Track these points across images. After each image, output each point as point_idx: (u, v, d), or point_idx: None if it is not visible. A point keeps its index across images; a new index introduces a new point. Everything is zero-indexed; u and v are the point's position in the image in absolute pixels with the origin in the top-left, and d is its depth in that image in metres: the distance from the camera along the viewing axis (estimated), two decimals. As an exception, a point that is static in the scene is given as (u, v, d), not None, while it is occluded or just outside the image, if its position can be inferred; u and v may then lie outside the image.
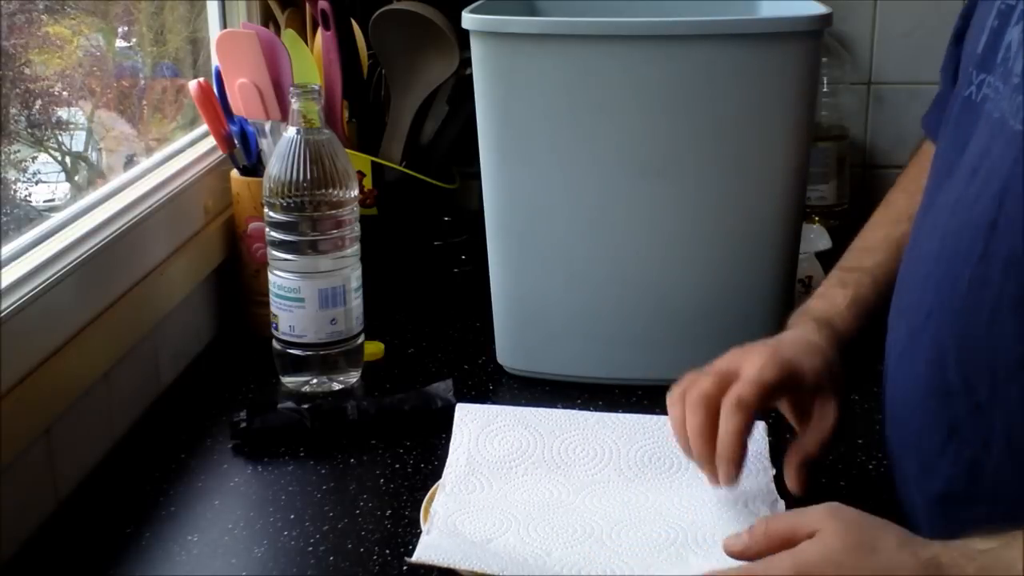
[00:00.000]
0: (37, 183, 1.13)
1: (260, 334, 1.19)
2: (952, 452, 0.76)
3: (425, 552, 0.81)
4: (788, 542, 0.70)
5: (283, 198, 1.10)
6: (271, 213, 1.11)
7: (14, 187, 1.08)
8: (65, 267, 0.97)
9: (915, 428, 0.80)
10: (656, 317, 1.13)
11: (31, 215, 1.07)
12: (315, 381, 1.14)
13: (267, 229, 1.13)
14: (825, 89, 1.57)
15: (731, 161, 1.08)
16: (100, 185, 1.16)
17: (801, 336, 0.91)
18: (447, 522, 0.86)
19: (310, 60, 1.29)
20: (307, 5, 1.37)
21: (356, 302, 1.15)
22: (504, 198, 1.13)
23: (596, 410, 1.05)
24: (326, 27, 1.28)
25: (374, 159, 1.30)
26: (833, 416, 0.88)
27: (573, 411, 1.01)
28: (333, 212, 1.11)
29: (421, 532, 0.86)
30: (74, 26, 1.19)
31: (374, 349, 1.21)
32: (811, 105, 1.10)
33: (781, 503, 0.87)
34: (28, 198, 1.12)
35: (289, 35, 1.30)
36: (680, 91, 1.06)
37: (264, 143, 1.25)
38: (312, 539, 0.88)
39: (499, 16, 1.09)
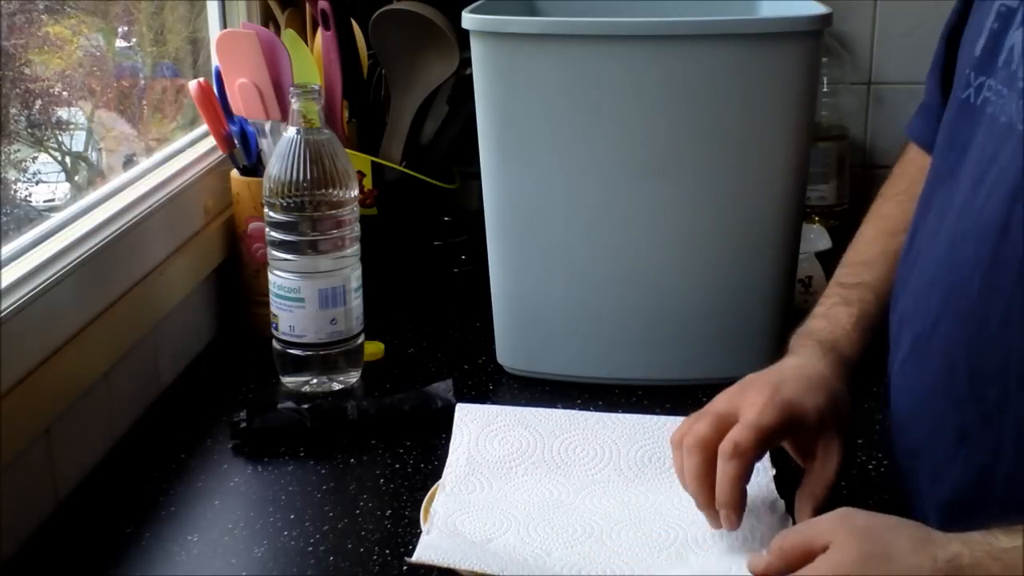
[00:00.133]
0: (37, 183, 1.13)
1: (260, 334, 1.19)
2: (962, 460, 0.75)
3: (425, 552, 0.81)
4: (805, 557, 0.70)
5: (283, 198, 1.10)
6: (271, 213, 1.11)
7: (14, 187, 1.08)
8: (65, 267, 0.97)
9: (923, 435, 0.80)
10: (656, 317, 1.13)
11: (31, 215, 1.07)
12: (315, 381, 1.14)
13: (267, 229, 1.13)
14: (825, 89, 1.57)
15: (731, 161, 1.08)
16: (100, 185, 1.16)
17: (804, 368, 0.87)
18: (447, 522, 0.87)
19: (310, 60, 1.29)
20: (307, 5, 1.37)
21: (356, 302, 1.15)
22: (504, 198, 1.13)
23: (596, 410, 1.05)
24: (326, 27, 1.28)
25: (374, 159, 1.30)
26: (837, 458, 0.83)
27: (573, 411, 1.01)
28: (333, 212, 1.11)
29: (421, 532, 0.86)
30: (74, 26, 1.19)
31: (374, 349, 1.21)
32: (811, 105, 1.10)
33: (781, 503, 0.87)
34: (28, 198, 1.12)
35: (289, 35, 1.30)
36: (680, 91, 1.06)
37: (264, 143, 1.25)
38: (312, 539, 0.88)
39: (499, 16, 1.09)
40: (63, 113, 1.20)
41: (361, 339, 1.17)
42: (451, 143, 1.38)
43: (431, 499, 0.90)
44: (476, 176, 1.17)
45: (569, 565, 0.81)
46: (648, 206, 1.10)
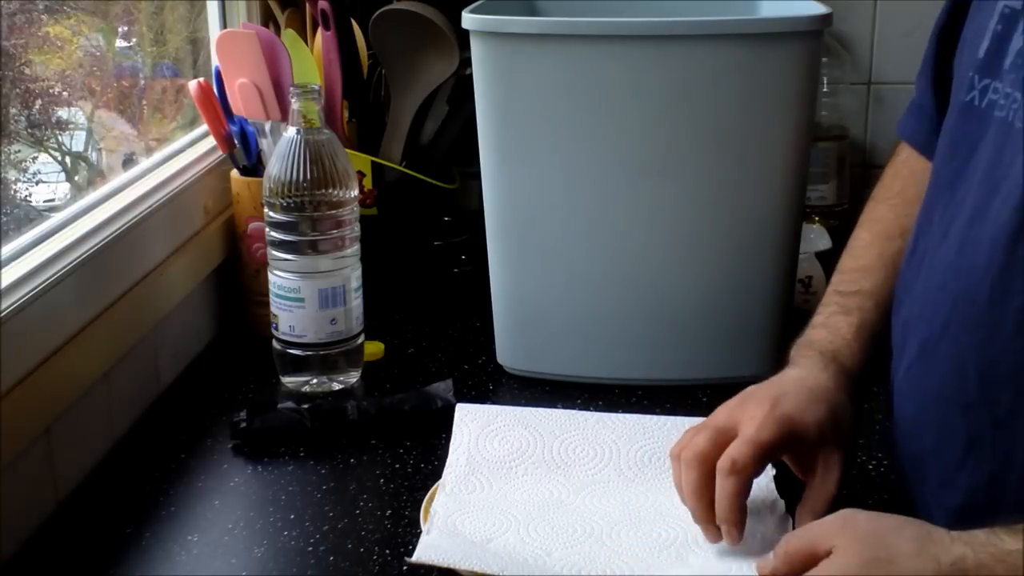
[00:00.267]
0: (37, 183, 1.13)
1: (260, 334, 1.19)
2: (972, 466, 0.75)
3: (425, 552, 0.81)
4: (808, 561, 0.70)
5: (283, 198, 1.10)
6: (271, 213, 1.11)
7: (14, 187, 1.08)
8: (65, 267, 0.97)
9: (930, 441, 0.79)
10: (656, 317, 1.13)
11: (31, 215, 1.07)
12: (315, 381, 1.14)
13: (267, 229, 1.13)
14: (825, 89, 1.57)
15: (731, 161, 1.08)
16: (100, 185, 1.16)
17: (805, 380, 0.86)
18: (447, 522, 0.86)
19: (310, 60, 1.29)
20: (307, 5, 1.37)
21: (356, 302, 1.15)
22: (504, 198, 1.13)
23: (596, 410, 1.05)
24: (326, 27, 1.28)
25: (374, 159, 1.30)
26: (837, 472, 0.83)
27: (573, 411, 1.01)
28: (333, 212, 1.11)
29: (421, 532, 0.86)
30: (74, 26, 1.19)
31: (374, 349, 1.21)
32: (811, 105, 1.10)
33: (781, 503, 0.87)
34: (28, 198, 1.12)
35: (289, 35, 1.30)
36: (680, 91, 1.06)
37: (264, 143, 1.25)
38: (312, 539, 0.88)
39: (499, 16, 1.09)
40: (63, 113, 1.20)
41: (361, 339, 1.17)
42: (451, 143, 1.38)
43: (431, 499, 0.90)
44: (476, 176, 1.17)
45: (569, 565, 0.81)
46: (648, 206, 1.10)
